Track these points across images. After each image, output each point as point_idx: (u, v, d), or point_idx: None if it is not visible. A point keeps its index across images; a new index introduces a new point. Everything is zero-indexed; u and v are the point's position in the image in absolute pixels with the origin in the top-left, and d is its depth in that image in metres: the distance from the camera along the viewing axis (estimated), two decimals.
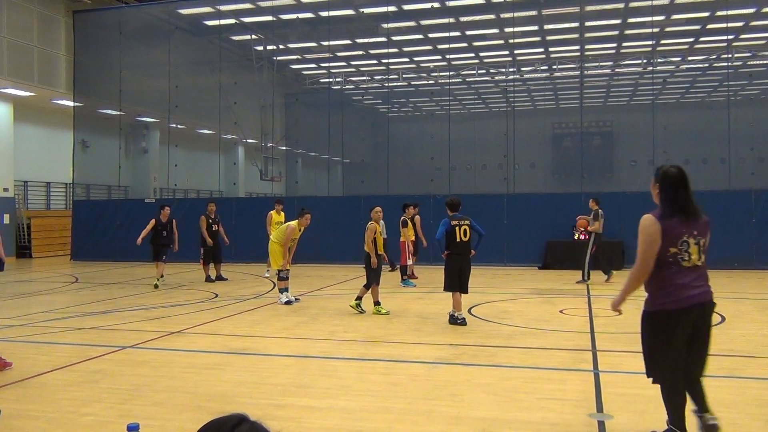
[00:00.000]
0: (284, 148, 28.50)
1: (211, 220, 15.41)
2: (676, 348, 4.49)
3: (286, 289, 11.66)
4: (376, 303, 10.50)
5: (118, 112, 23.78)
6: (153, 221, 14.52)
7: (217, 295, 12.89)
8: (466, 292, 9.64)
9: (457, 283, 9.50)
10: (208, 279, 15.21)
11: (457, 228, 9.45)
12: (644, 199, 19.12)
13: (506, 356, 7.58)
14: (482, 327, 9.32)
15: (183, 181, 26.92)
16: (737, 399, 5.72)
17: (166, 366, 7.10)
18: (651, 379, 4.73)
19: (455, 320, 9.42)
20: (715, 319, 9.66)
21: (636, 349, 7.82)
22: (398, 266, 15.45)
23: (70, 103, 23.23)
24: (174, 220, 14.88)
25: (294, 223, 11.61)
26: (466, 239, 9.51)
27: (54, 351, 7.91)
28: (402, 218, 14.50)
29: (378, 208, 10.84)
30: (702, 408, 4.58)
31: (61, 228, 23.60)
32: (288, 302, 11.50)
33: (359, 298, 10.58)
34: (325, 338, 8.62)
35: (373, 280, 10.46)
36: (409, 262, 14.60)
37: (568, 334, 8.76)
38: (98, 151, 24.29)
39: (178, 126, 25.35)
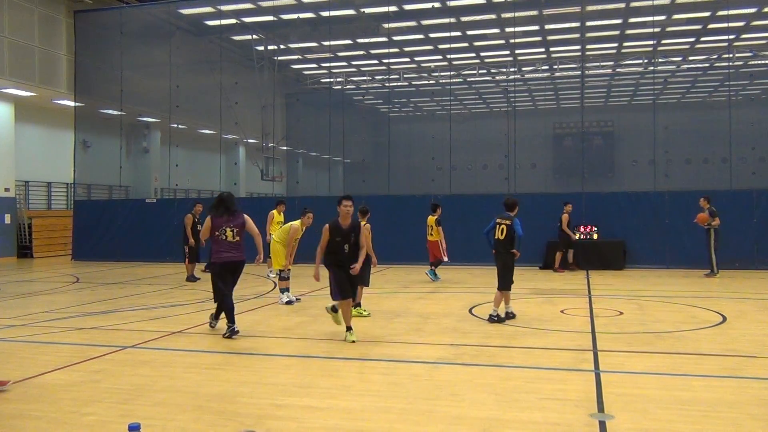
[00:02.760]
0: (285, 148, 28.50)
1: (196, 220, 15.64)
2: (223, 281, 8.70)
3: (287, 289, 11.66)
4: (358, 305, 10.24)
5: (119, 112, 23.80)
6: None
7: None
8: (500, 288, 9.81)
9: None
10: (190, 278, 15.32)
11: (497, 226, 9.90)
12: (646, 198, 19.15)
13: (507, 356, 7.58)
14: (483, 327, 9.32)
15: (184, 181, 26.94)
16: (739, 399, 5.71)
17: (167, 366, 7.10)
18: (213, 298, 8.95)
19: (492, 318, 9.63)
20: (716, 318, 9.70)
21: (638, 349, 7.85)
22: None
23: (71, 103, 23.25)
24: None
25: (296, 222, 11.55)
26: (502, 238, 9.81)
27: (55, 351, 7.92)
28: (436, 218, 15.05)
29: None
30: (231, 320, 8.70)
31: (62, 228, 23.62)
32: (289, 302, 11.50)
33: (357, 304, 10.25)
34: (326, 338, 8.62)
35: (368, 280, 10.37)
36: (446, 258, 15.18)
37: (569, 334, 8.75)
38: (99, 151, 24.32)
39: (179, 126, 25.36)
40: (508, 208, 10.05)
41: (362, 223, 10.14)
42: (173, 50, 23.06)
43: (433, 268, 15.29)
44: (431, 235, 15.16)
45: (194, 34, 25.19)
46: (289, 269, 11.64)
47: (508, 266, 9.87)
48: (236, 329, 8.55)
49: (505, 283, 9.79)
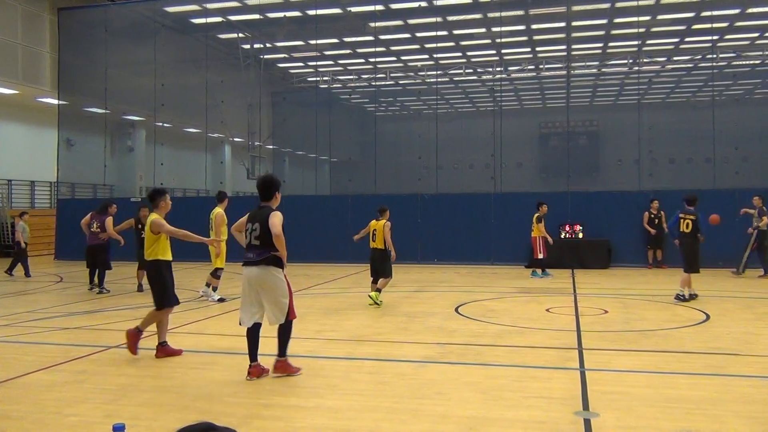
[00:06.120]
0: (271, 146, 28.39)
1: (141, 225, 12.52)
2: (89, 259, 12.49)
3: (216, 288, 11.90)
4: (379, 291, 11.21)
5: (104, 111, 23.60)
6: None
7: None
8: (687, 271, 11.14)
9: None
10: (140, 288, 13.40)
11: (681, 220, 11.25)
12: (631, 198, 19.24)
13: (493, 355, 7.60)
14: (469, 326, 9.34)
15: (169, 180, 26.77)
16: (722, 396, 5.76)
17: (152, 366, 7.06)
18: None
19: (680, 297, 11.11)
20: (700, 316, 9.78)
21: (623, 347, 7.90)
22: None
23: (55, 101, 23.05)
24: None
25: (219, 209, 11.62)
26: (688, 231, 11.18)
27: (39, 351, 7.84)
28: (537, 215, 15.47)
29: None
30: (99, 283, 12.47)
31: (46, 227, 23.41)
32: (221, 300, 11.68)
33: (378, 290, 11.21)
34: (312, 337, 8.60)
35: (390, 272, 11.28)
36: (540, 255, 15.44)
37: (555, 332, 8.79)
38: (83, 149, 24.10)
39: (165, 124, 25.20)
40: (689, 203, 11.41)
41: (383, 221, 11.14)
42: (158, 48, 22.90)
43: (536, 270, 15.61)
44: (533, 231, 15.57)
45: (180, 32, 25.03)
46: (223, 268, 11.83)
47: (695, 253, 11.19)
48: (104, 289, 13.17)
49: (692, 268, 11.10)
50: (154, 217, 7.44)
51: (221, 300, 11.72)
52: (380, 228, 11.10)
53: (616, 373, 6.64)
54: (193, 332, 8.95)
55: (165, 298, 7.48)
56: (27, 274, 16.96)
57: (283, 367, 6.52)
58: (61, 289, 14.48)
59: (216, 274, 11.76)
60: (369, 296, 11.12)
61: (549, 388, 6.08)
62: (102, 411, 5.45)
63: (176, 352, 7.49)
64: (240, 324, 6.58)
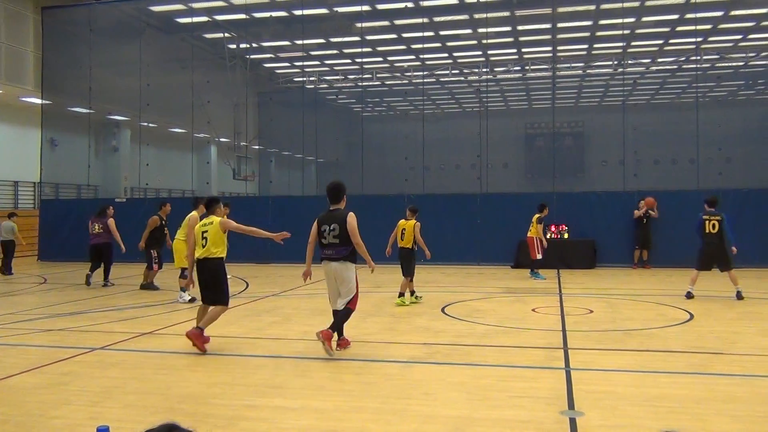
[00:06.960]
0: (257, 147, 28.32)
1: (163, 222, 13.69)
2: (92, 257, 14.31)
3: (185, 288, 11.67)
4: (413, 293, 11.65)
5: (88, 110, 23.42)
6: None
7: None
8: (707, 269, 11.78)
9: (704, 264, 11.67)
10: (152, 286, 13.60)
11: (706, 222, 11.57)
12: (615, 198, 19.31)
13: (479, 355, 7.62)
14: (455, 326, 9.36)
15: (154, 181, 26.63)
16: (706, 395, 5.82)
17: (137, 367, 7.02)
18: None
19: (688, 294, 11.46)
20: (684, 316, 9.86)
21: (607, 347, 7.95)
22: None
23: (39, 101, 22.84)
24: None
25: (195, 213, 11.25)
26: (714, 231, 11.53)
27: (22, 353, 7.77)
28: (538, 216, 15.46)
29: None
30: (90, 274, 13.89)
31: (29, 228, 23.17)
32: (192, 300, 11.53)
33: (412, 292, 11.60)
34: (298, 338, 8.59)
35: (412, 273, 11.49)
36: (539, 256, 15.33)
37: (541, 332, 8.83)
38: (67, 149, 23.89)
39: (150, 124, 25.05)
40: (710, 204, 11.69)
41: (412, 221, 11.44)
42: (144, 48, 22.77)
43: (535, 270, 15.49)
44: (530, 231, 15.50)
45: (165, 32, 24.91)
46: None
47: (726, 251, 11.56)
48: (90, 282, 14.02)
49: (730, 265, 11.59)
50: (218, 219, 7.95)
51: (192, 300, 11.50)
52: (409, 227, 11.44)
53: (601, 373, 6.69)
54: (179, 333, 8.88)
55: (228, 293, 8.06)
56: (8, 271, 17.38)
57: (327, 335, 7.38)
58: (45, 290, 14.36)
59: (183, 274, 11.64)
60: (400, 301, 11.44)
61: (535, 387, 6.11)
62: (86, 413, 5.41)
63: (205, 341, 7.66)
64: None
